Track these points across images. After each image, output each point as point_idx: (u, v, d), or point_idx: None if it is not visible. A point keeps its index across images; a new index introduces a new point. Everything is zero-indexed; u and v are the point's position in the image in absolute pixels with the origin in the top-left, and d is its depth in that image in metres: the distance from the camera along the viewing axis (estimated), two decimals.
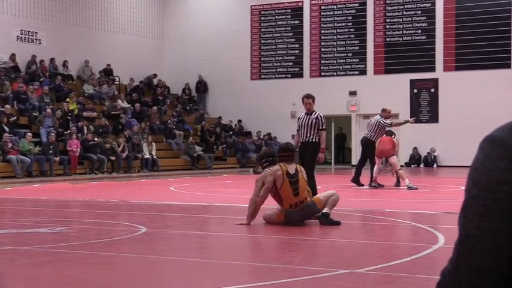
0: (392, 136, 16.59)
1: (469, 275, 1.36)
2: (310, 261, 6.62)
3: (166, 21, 34.93)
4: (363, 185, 16.47)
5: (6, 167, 21.40)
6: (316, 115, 11.74)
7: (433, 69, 29.74)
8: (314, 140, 11.64)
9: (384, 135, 16.55)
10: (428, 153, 29.74)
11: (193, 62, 33.72)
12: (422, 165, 29.68)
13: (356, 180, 16.72)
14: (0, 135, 22.01)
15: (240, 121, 32.73)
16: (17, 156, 21.46)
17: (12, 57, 27.20)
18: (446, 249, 6.83)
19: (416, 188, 15.36)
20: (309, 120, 11.68)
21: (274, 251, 7.31)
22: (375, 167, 16.29)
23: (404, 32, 30.40)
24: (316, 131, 11.67)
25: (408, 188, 15.44)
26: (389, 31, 30.71)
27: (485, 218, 1.34)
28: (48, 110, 24.39)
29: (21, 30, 28.19)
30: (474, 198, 1.37)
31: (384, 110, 16.96)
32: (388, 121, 16.59)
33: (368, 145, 16.73)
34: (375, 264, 6.15)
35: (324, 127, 11.79)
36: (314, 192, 11.47)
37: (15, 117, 23.75)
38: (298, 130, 11.98)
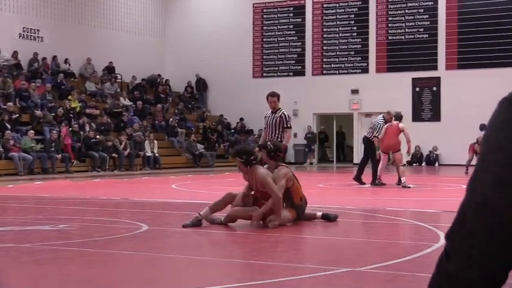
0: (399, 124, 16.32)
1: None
2: (310, 259, 6.64)
3: (168, 18, 34.94)
4: (364, 184, 16.47)
5: (8, 165, 21.43)
6: (280, 113, 11.47)
7: (435, 68, 29.72)
8: (280, 138, 11.46)
9: (393, 120, 16.32)
10: (430, 151, 29.74)
11: (196, 60, 33.72)
12: (424, 163, 29.68)
13: (358, 178, 16.72)
14: (2, 133, 22.04)
15: (241, 119, 32.74)
16: (19, 154, 21.49)
17: (15, 54, 27.22)
18: None
19: (410, 187, 15.38)
20: (274, 118, 11.54)
21: (274, 249, 7.33)
22: (380, 164, 16.20)
23: (406, 30, 30.39)
24: (281, 130, 11.51)
25: (403, 186, 15.46)
26: (391, 29, 30.69)
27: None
28: (39, 112, 24.35)
29: (24, 27, 28.21)
30: None
31: (388, 113, 16.91)
32: (382, 130, 16.40)
33: (368, 144, 16.78)
34: (375, 263, 6.16)
35: (288, 125, 11.54)
36: None
37: (17, 115, 23.79)
38: (265, 128, 11.83)
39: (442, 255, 1.48)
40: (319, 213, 9.11)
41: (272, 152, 8.87)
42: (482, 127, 21.25)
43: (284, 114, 11.46)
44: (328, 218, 9.01)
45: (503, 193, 1.36)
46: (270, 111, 11.77)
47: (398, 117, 16.59)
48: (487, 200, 1.37)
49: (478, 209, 1.42)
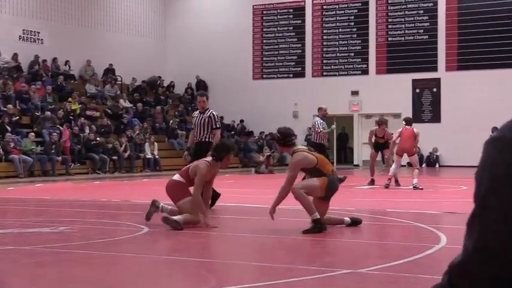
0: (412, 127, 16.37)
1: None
2: (312, 261, 6.62)
3: (168, 20, 34.94)
4: None
5: (9, 167, 21.41)
6: (209, 113, 11.34)
7: (435, 69, 29.71)
8: (208, 139, 11.36)
9: (404, 124, 16.29)
10: (430, 153, 29.72)
11: (196, 61, 33.71)
12: (424, 165, 29.65)
13: None
14: (3, 135, 22.02)
15: (242, 121, 32.73)
16: (19, 156, 21.47)
17: (15, 56, 27.21)
18: (449, 249, 6.84)
19: (421, 189, 15.40)
20: (202, 119, 11.45)
21: (276, 250, 7.31)
22: (393, 166, 16.13)
23: (406, 31, 30.38)
24: (210, 130, 11.40)
25: (414, 187, 15.47)
26: (391, 31, 30.69)
27: None
28: (48, 113, 24.36)
29: (24, 30, 28.20)
30: None
31: (319, 109, 17.01)
32: (321, 127, 16.48)
33: (318, 147, 16.81)
34: (377, 264, 6.15)
35: (217, 125, 11.44)
36: (214, 196, 11.28)
37: (17, 117, 23.77)
38: (193, 129, 11.67)
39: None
40: (347, 219, 8.86)
41: (282, 140, 8.71)
42: (494, 130, 21.38)
43: (213, 114, 11.38)
44: (356, 222, 8.85)
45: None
46: (198, 111, 11.69)
47: (410, 121, 16.63)
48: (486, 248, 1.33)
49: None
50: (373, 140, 17.09)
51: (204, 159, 9.15)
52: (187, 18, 34.53)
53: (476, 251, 1.32)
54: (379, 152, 17.15)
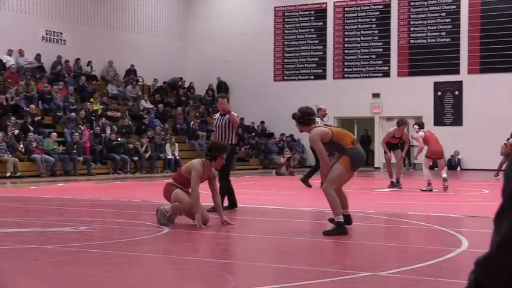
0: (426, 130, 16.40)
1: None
2: (332, 263, 6.60)
3: (190, 22, 35.02)
4: (311, 186, 16.62)
5: (31, 166, 21.58)
6: (228, 116, 11.38)
7: (457, 72, 29.53)
8: (230, 141, 11.34)
9: (418, 128, 16.28)
10: (452, 156, 29.54)
11: (217, 63, 33.75)
12: (445, 168, 29.47)
13: (305, 180, 17.13)
14: (25, 135, 22.20)
15: (262, 122, 32.73)
16: (42, 156, 21.63)
17: (38, 57, 27.41)
18: (470, 253, 6.79)
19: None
20: (223, 121, 11.44)
21: (295, 252, 7.30)
22: (426, 170, 16.04)
23: (428, 34, 30.23)
24: (231, 132, 11.36)
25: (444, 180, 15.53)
26: (413, 33, 30.55)
27: None
28: (72, 114, 24.51)
29: (46, 30, 28.40)
30: None
31: (319, 110, 17.05)
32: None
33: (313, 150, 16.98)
34: (397, 267, 6.11)
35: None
36: (233, 199, 11.29)
37: (39, 117, 23.94)
38: (213, 131, 11.64)
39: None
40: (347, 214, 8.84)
41: (301, 118, 8.70)
42: None
43: (232, 114, 11.43)
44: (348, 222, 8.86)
45: None
46: (218, 114, 11.67)
47: (423, 124, 16.59)
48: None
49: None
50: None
51: (197, 159, 9.26)
52: (208, 20, 34.59)
53: (501, 245, 1.31)
54: (391, 152, 17.10)
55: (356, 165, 8.48)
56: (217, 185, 9.40)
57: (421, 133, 16.07)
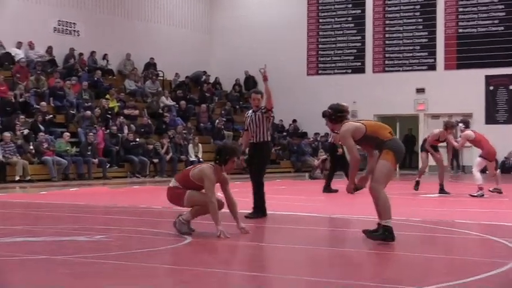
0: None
1: None
2: (371, 276, 6.60)
3: (214, 11, 35.12)
4: (337, 190, 16.68)
5: (42, 169, 21.75)
6: (261, 111, 11.48)
7: (511, 64, 29.29)
8: (265, 139, 11.39)
9: (464, 127, 16.21)
10: (506, 157, 29.28)
11: (244, 55, 33.76)
12: (498, 171, 29.20)
13: (327, 189, 17.18)
14: (35, 135, 22.39)
15: (294, 121, 32.71)
16: (53, 158, 21.81)
17: (49, 50, 27.62)
18: None
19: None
20: (256, 117, 11.49)
21: (332, 264, 7.30)
22: (477, 174, 15.94)
23: (479, 22, 30.01)
24: (266, 129, 11.43)
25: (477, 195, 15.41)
26: (462, 21, 30.34)
27: None
28: (88, 112, 24.69)
29: (59, 20, 28.61)
30: None
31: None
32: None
33: (330, 148, 17.65)
34: (444, 281, 6.09)
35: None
36: (263, 207, 11.29)
37: (51, 115, 24.12)
38: (246, 130, 11.67)
39: None
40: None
41: (333, 115, 8.72)
42: None
43: (265, 106, 11.49)
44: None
45: None
46: (251, 111, 11.73)
47: (468, 123, 16.55)
48: None
49: None
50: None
51: (206, 163, 9.30)
52: (235, 9, 34.66)
53: None
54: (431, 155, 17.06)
55: (400, 158, 8.50)
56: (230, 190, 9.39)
57: (470, 132, 15.93)
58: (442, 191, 16.42)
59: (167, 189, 9.40)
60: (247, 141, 11.62)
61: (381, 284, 6.03)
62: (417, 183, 16.97)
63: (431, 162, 17.79)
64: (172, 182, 9.30)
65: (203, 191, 8.99)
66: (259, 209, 11.34)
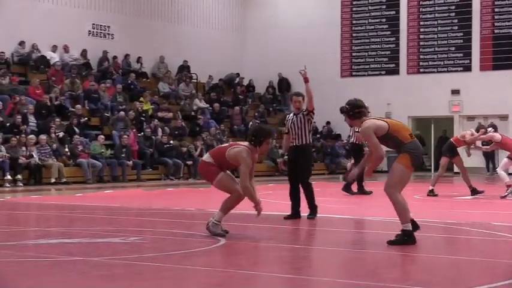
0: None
1: None
2: (405, 278, 6.58)
3: (248, 13, 35.17)
4: (371, 192, 16.73)
5: (77, 172, 21.96)
6: (301, 114, 11.48)
7: None
8: (307, 141, 11.37)
9: (493, 131, 16.18)
10: None
11: (277, 57, 33.75)
12: None
13: (361, 188, 17.13)
14: (71, 138, 22.61)
15: (328, 123, 32.65)
16: (88, 160, 22.01)
17: (84, 53, 27.88)
18: None
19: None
20: (298, 119, 11.48)
21: (365, 266, 7.29)
22: (502, 173, 15.91)
23: None
24: (308, 131, 11.40)
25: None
26: (498, 22, 30.08)
27: None
28: (122, 113, 24.88)
29: (93, 24, 28.85)
30: None
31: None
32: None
33: (356, 150, 17.37)
34: (480, 284, 6.05)
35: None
36: (314, 211, 11.30)
37: (86, 118, 24.34)
38: (287, 133, 11.63)
39: None
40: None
41: (351, 111, 8.73)
42: None
43: (306, 109, 11.49)
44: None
45: None
46: (292, 114, 11.74)
47: (496, 127, 16.57)
48: None
49: None
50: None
51: (241, 143, 9.31)
52: (268, 10, 34.69)
53: None
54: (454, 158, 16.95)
55: (417, 162, 8.45)
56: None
57: (498, 135, 16.03)
58: (474, 192, 16.31)
59: (200, 162, 9.54)
60: (288, 145, 11.63)
61: (415, 286, 6.01)
62: (431, 191, 16.52)
63: (468, 164, 17.74)
64: (207, 157, 9.36)
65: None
66: (314, 209, 11.39)
